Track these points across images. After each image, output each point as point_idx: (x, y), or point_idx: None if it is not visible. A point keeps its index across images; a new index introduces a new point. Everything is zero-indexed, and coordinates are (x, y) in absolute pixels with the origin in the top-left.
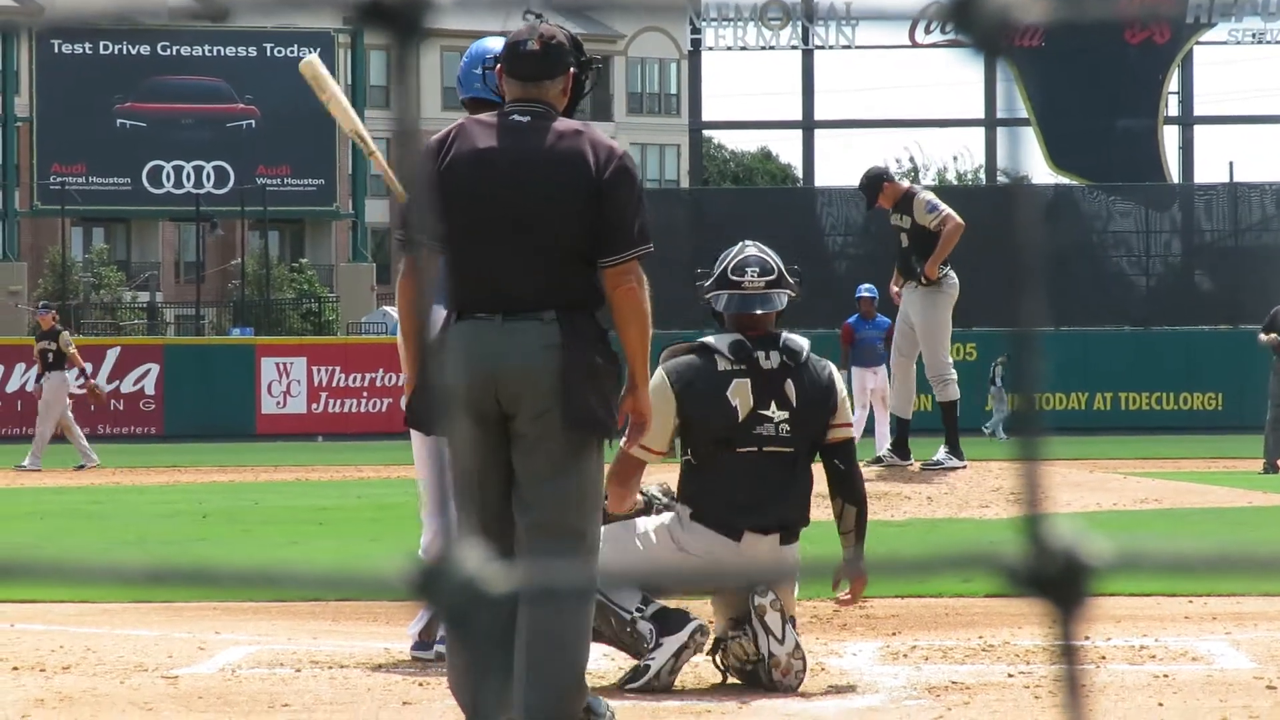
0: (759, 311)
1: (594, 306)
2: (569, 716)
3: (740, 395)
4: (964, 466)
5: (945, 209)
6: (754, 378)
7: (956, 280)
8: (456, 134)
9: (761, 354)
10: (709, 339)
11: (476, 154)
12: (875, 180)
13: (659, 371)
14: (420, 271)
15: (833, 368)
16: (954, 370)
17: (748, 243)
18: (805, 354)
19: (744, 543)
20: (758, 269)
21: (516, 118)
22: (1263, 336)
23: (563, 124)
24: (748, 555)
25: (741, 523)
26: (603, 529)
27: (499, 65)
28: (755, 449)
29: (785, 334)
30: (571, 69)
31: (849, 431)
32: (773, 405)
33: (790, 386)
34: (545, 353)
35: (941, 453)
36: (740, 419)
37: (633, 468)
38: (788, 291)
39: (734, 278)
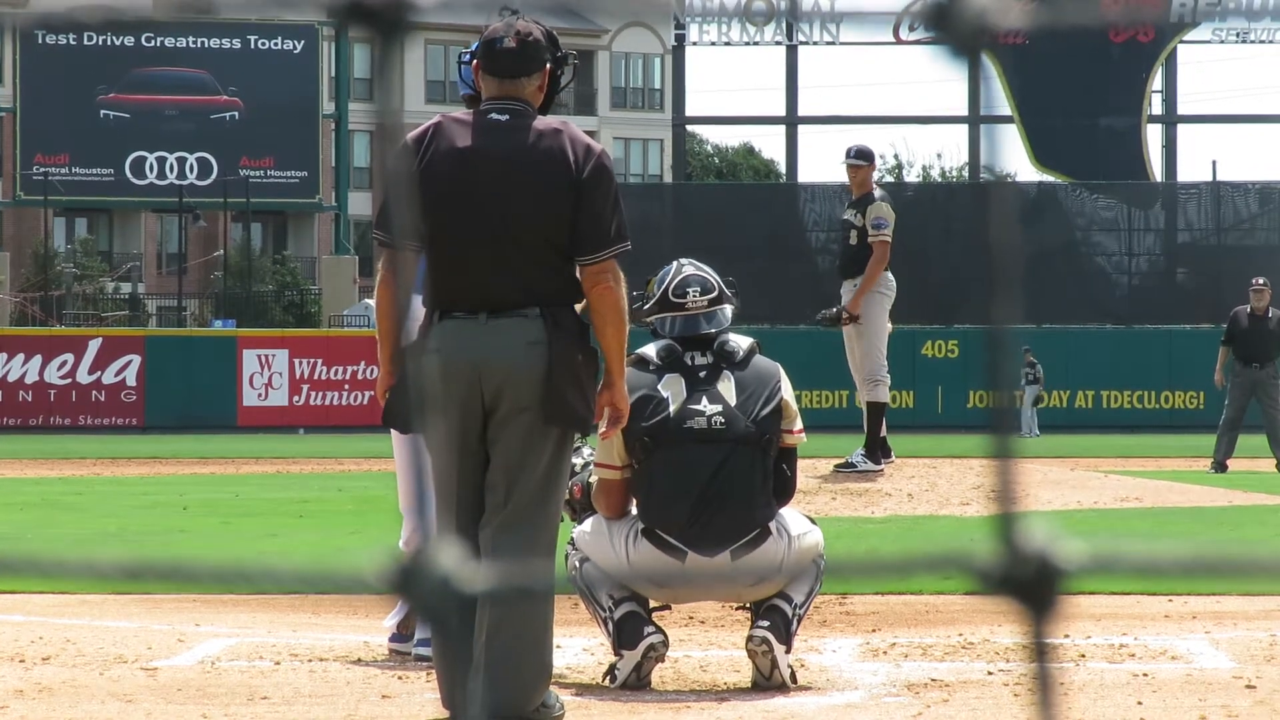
0: (704, 332)
1: (574, 301)
2: (526, 709)
3: (672, 388)
4: (880, 470)
5: (885, 235)
6: (685, 374)
7: (893, 281)
8: (434, 132)
9: (694, 354)
10: (641, 349)
11: (456, 153)
12: (868, 155)
13: None
14: (400, 272)
15: (781, 371)
16: (888, 373)
17: (683, 261)
18: (742, 353)
19: (688, 563)
20: (699, 288)
21: (495, 116)
22: (1218, 375)
23: (541, 122)
24: (694, 576)
25: (685, 541)
26: (588, 521)
27: (475, 62)
28: (689, 444)
29: (723, 335)
30: (548, 65)
31: (794, 439)
32: (704, 400)
33: (725, 383)
34: (530, 349)
35: (857, 455)
36: (672, 411)
37: (604, 491)
38: (730, 306)
39: (676, 300)
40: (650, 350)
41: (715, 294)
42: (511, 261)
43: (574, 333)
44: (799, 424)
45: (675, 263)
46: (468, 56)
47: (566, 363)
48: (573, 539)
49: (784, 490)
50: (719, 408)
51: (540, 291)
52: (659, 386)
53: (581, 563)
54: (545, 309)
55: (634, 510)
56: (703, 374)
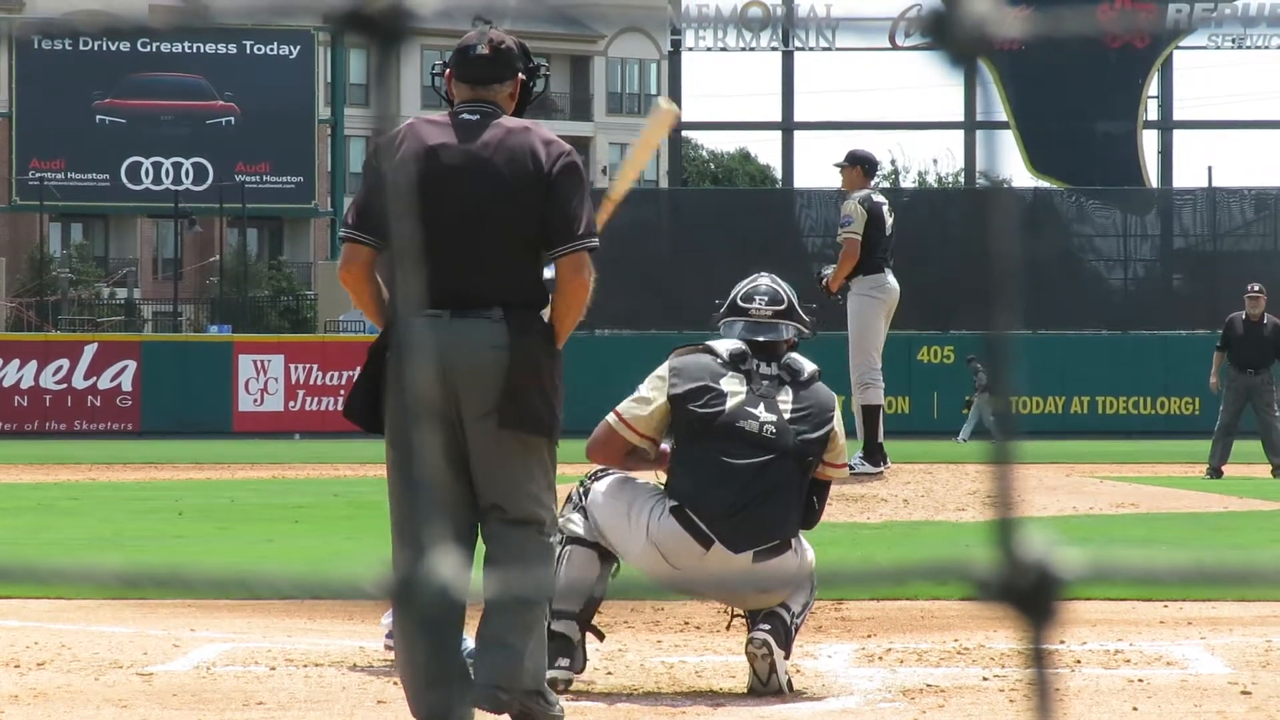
0: (762, 339)
1: (540, 305)
2: (531, 685)
3: (733, 387)
4: (879, 472)
5: (849, 232)
6: (749, 379)
7: (893, 285)
8: (406, 132)
9: (760, 362)
10: (711, 342)
11: (426, 150)
12: (854, 160)
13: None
14: (367, 266)
15: (837, 402)
16: (879, 376)
17: (763, 273)
18: (807, 374)
19: (711, 553)
20: (767, 298)
21: (466, 115)
22: (1213, 380)
23: (510, 121)
24: (713, 566)
25: (713, 531)
26: (607, 480)
27: (448, 70)
28: (736, 442)
29: (790, 352)
30: (520, 74)
31: (837, 473)
32: (761, 407)
33: (784, 398)
34: (492, 353)
35: (855, 459)
36: (727, 408)
37: (610, 442)
38: (796, 324)
39: (743, 305)
40: (720, 345)
41: (783, 308)
42: (479, 259)
43: (537, 335)
44: (843, 458)
45: (756, 274)
46: (441, 68)
47: (529, 367)
48: (582, 505)
49: (809, 521)
50: (773, 417)
51: (506, 292)
52: (721, 381)
53: (568, 544)
54: (509, 310)
55: (660, 483)
56: (765, 382)
